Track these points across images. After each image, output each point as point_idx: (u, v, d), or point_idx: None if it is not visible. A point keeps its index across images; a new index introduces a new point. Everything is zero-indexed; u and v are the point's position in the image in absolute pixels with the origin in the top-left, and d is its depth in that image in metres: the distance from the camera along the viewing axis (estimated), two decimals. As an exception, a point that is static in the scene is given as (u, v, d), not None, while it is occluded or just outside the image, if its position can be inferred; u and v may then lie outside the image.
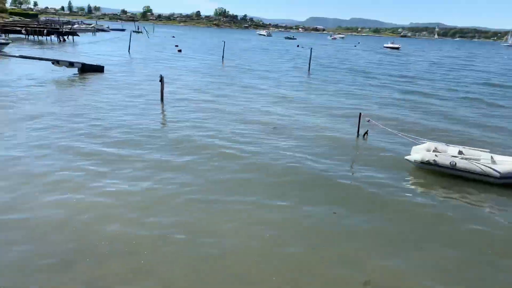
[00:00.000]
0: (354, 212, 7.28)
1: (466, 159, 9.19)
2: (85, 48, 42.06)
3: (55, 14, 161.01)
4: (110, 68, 23.82)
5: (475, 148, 9.89)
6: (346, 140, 11.80)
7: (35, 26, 56.23)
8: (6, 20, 73.90)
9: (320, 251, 5.95)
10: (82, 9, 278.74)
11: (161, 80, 15.82)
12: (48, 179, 7.82)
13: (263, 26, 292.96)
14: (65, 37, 51.69)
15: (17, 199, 6.94)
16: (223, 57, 39.12)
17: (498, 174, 8.62)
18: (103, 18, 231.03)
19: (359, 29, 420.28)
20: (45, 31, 51.36)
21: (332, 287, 5.17)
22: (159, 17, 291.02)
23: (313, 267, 5.53)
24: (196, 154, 9.80)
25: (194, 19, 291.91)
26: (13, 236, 5.81)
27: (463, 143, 11.19)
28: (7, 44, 29.25)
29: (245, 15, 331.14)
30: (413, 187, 8.69)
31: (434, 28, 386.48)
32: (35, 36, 51.01)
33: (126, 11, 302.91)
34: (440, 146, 9.95)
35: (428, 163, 9.24)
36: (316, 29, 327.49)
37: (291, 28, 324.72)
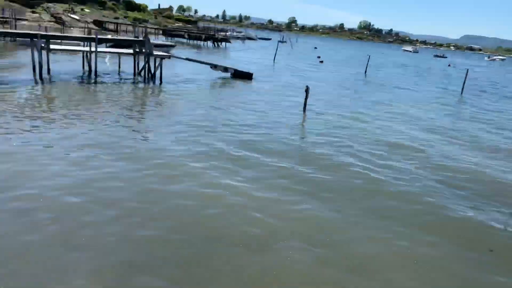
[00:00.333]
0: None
1: None
2: (235, 54, 45.65)
3: (211, 22, 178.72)
4: (257, 75, 25.32)
5: None
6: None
7: (195, 32, 63.33)
8: (173, 25, 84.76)
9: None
10: (234, 17, 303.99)
11: (306, 91, 16.15)
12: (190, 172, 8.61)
13: (409, 41, 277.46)
14: (219, 43, 56.97)
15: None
16: (365, 71, 38.17)
17: None
18: (251, 27, 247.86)
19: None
20: (203, 37, 57.46)
21: None
22: (303, 28, 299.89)
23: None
24: (335, 172, 9.66)
25: (337, 31, 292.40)
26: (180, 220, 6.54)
27: None
28: (173, 46, 33.44)
29: (391, 30, 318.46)
30: None
31: None
32: (195, 41, 57.40)
33: (272, 21, 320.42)
34: None
35: None
36: (471, 49, 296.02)
37: (441, 45, 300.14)
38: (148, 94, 18.15)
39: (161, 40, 48.12)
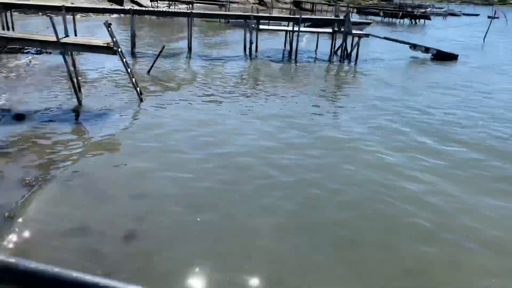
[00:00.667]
0: None
1: None
2: (434, 32, 41.48)
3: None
4: (462, 57, 22.53)
5: None
6: None
7: (391, 9, 59.96)
8: (366, 3, 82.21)
9: None
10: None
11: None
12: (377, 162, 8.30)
13: None
14: (417, 20, 52.68)
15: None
16: None
17: None
18: (454, 2, 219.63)
19: None
20: (400, 14, 54.02)
21: None
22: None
23: None
24: None
25: None
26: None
27: None
28: (369, 24, 32.53)
29: None
30: None
31: None
32: (390, 18, 54.52)
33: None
34: None
35: None
36: None
37: None
38: (345, 73, 18.35)
39: (355, 18, 47.40)
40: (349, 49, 20.20)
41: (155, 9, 27.34)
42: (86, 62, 14.99)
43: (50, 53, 15.61)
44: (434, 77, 17.77)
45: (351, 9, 62.03)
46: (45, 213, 5.56)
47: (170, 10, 31.34)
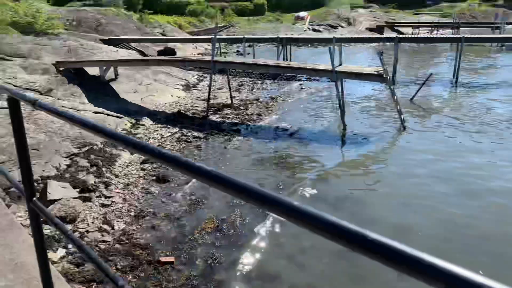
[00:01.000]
0: None
1: None
2: None
3: None
4: None
5: None
6: None
7: None
8: None
9: None
10: None
11: None
12: None
13: None
14: None
15: None
16: None
17: None
18: None
19: None
20: None
21: None
22: None
23: None
24: None
25: None
26: None
27: None
28: None
29: None
30: None
31: None
32: None
33: None
34: None
35: None
36: None
37: None
38: None
39: None
40: None
41: (420, 36, 26.62)
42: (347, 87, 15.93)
43: (318, 80, 17.37)
44: None
45: None
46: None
47: (433, 36, 29.89)
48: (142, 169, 7.99)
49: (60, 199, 5.98)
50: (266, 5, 55.55)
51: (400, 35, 20.58)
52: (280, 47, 19.27)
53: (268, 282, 4.80)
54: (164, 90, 14.43)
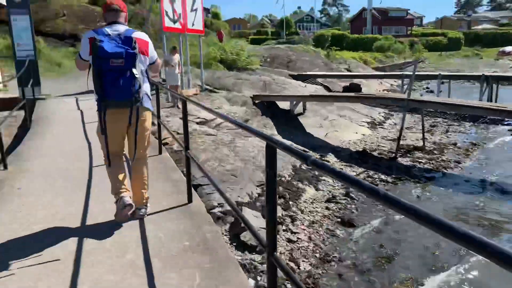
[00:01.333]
0: None
1: None
2: None
3: None
4: None
5: None
6: None
7: None
8: None
9: None
10: None
11: None
12: None
13: None
14: None
15: None
16: None
17: None
18: None
19: None
20: None
21: None
22: None
23: None
24: None
25: None
26: None
27: None
28: None
29: None
30: None
31: None
32: None
33: None
34: None
35: None
36: None
37: None
38: None
39: None
40: None
41: None
42: None
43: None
44: None
45: None
46: None
47: None
48: (327, 208, 7.74)
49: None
50: (463, 40, 50.59)
51: None
52: (485, 85, 16.86)
53: None
54: (349, 126, 14.17)
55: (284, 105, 14.18)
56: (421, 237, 6.48)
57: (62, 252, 2.91)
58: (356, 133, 13.72)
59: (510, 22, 63.57)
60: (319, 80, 21.78)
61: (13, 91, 11.11)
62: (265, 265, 5.51)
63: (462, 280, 5.41)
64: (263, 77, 18.80)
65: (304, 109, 13.78)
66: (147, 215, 3.51)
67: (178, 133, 9.37)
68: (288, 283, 5.17)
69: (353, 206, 7.98)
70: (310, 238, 6.52)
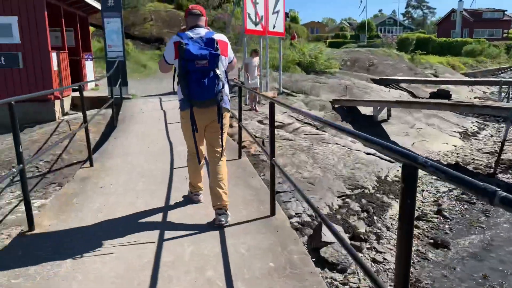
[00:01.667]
0: None
1: None
2: None
3: None
4: None
5: None
6: None
7: None
8: None
9: None
10: None
11: None
12: None
13: None
14: None
15: None
16: None
17: None
18: None
19: None
20: None
21: None
22: None
23: None
24: None
25: None
26: None
27: None
28: None
29: None
30: None
31: None
32: None
33: None
34: None
35: None
36: None
37: None
38: None
39: None
40: None
41: None
42: None
43: None
44: None
45: None
46: None
47: None
48: (416, 227, 6.95)
49: (333, 243, 5.66)
50: None
51: None
52: None
53: None
54: (438, 136, 12.94)
55: (366, 110, 13.37)
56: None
57: (139, 262, 2.72)
58: (447, 143, 12.46)
59: None
60: (403, 85, 20.41)
61: (104, 90, 11.78)
62: (347, 286, 5.01)
63: None
64: (342, 80, 18.05)
65: (389, 115, 12.85)
66: (226, 225, 3.23)
67: (256, 137, 9.16)
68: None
69: (446, 226, 7.09)
70: (397, 259, 5.84)
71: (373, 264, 5.61)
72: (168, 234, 3.12)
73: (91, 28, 19.55)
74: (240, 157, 5.52)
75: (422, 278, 5.38)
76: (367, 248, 6.01)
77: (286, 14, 46.77)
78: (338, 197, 7.46)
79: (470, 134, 13.96)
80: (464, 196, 8.52)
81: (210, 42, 3.11)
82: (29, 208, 3.16)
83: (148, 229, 3.21)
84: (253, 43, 16.59)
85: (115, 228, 3.23)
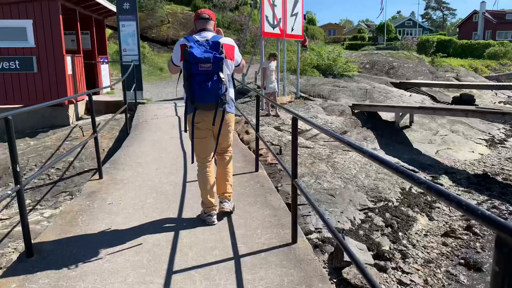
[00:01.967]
0: None
1: None
2: None
3: None
4: None
5: None
6: None
7: None
8: None
9: None
10: None
11: None
12: None
13: None
14: None
15: None
16: None
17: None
18: None
19: None
20: None
21: None
22: None
23: None
24: None
25: None
26: None
27: None
28: None
29: None
30: None
31: None
32: None
33: None
34: None
35: None
36: None
37: None
38: None
39: None
40: None
41: None
42: None
43: None
44: None
45: None
46: None
47: None
48: (445, 244, 6.49)
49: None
50: None
51: None
52: None
53: None
54: (463, 144, 12.35)
55: (387, 116, 12.88)
56: None
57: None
58: (473, 152, 11.88)
59: None
60: (424, 89, 19.77)
61: (119, 94, 11.60)
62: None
63: None
64: (362, 84, 17.55)
65: (411, 121, 12.33)
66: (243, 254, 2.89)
67: (273, 144, 8.81)
68: None
69: (477, 244, 6.60)
70: (426, 281, 5.41)
71: (399, 286, 5.19)
72: (178, 264, 2.80)
73: (108, 31, 19.53)
74: (257, 169, 5.17)
75: (454, 305, 4.95)
76: (392, 268, 5.59)
77: (304, 16, 46.33)
78: (360, 210, 7.05)
79: (497, 141, 13.31)
80: (495, 210, 8.00)
81: (215, 46, 3.14)
82: (27, 232, 2.87)
83: (156, 258, 2.90)
84: (270, 45, 16.24)
85: (119, 258, 2.92)
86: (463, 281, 5.50)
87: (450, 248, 6.37)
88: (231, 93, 3.40)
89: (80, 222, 3.51)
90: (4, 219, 6.04)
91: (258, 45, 13.55)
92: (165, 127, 8.27)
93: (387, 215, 6.98)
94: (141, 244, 3.10)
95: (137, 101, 10.52)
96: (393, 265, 5.67)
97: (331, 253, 5.49)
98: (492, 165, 10.87)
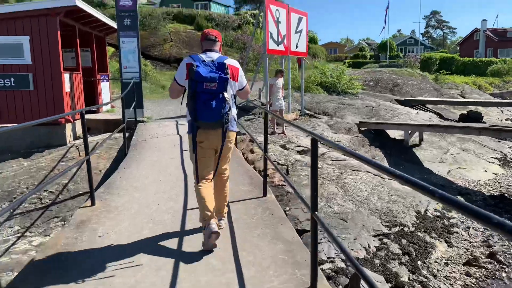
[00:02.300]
0: None
1: None
2: None
3: None
4: None
5: None
6: None
7: None
8: None
9: None
10: None
11: None
12: None
13: None
14: None
15: None
16: None
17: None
18: None
19: None
20: None
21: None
22: None
23: None
24: None
25: None
26: None
27: None
28: None
29: None
30: None
31: None
32: None
33: None
34: None
35: None
36: None
37: None
38: None
39: None
40: None
41: None
42: None
43: None
44: None
45: None
46: None
47: None
48: (468, 274, 5.97)
49: (374, 299, 4.74)
50: None
51: None
52: None
53: None
54: (475, 163, 11.88)
55: (394, 134, 12.46)
56: None
57: None
58: (486, 171, 11.40)
59: None
60: (429, 106, 19.41)
61: (120, 112, 11.23)
62: None
63: None
64: (367, 101, 17.21)
65: (420, 139, 11.91)
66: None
67: (279, 164, 8.36)
68: None
69: (503, 274, 6.08)
70: (452, 319, 4.88)
71: (423, 326, 4.66)
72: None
73: (110, 49, 19.35)
74: (265, 194, 4.72)
75: None
76: (414, 303, 5.07)
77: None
78: (375, 236, 6.54)
79: (510, 160, 12.83)
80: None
81: (221, 66, 3.19)
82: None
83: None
84: (274, 63, 15.98)
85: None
86: (493, 318, 4.97)
87: (474, 279, 5.85)
88: (233, 112, 3.45)
89: (63, 260, 3.04)
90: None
91: (261, 63, 13.26)
92: (165, 146, 7.85)
93: (403, 241, 6.48)
94: (133, 289, 2.63)
95: (137, 119, 10.14)
96: (415, 299, 5.15)
97: (345, 286, 4.99)
98: (508, 185, 10.37)
